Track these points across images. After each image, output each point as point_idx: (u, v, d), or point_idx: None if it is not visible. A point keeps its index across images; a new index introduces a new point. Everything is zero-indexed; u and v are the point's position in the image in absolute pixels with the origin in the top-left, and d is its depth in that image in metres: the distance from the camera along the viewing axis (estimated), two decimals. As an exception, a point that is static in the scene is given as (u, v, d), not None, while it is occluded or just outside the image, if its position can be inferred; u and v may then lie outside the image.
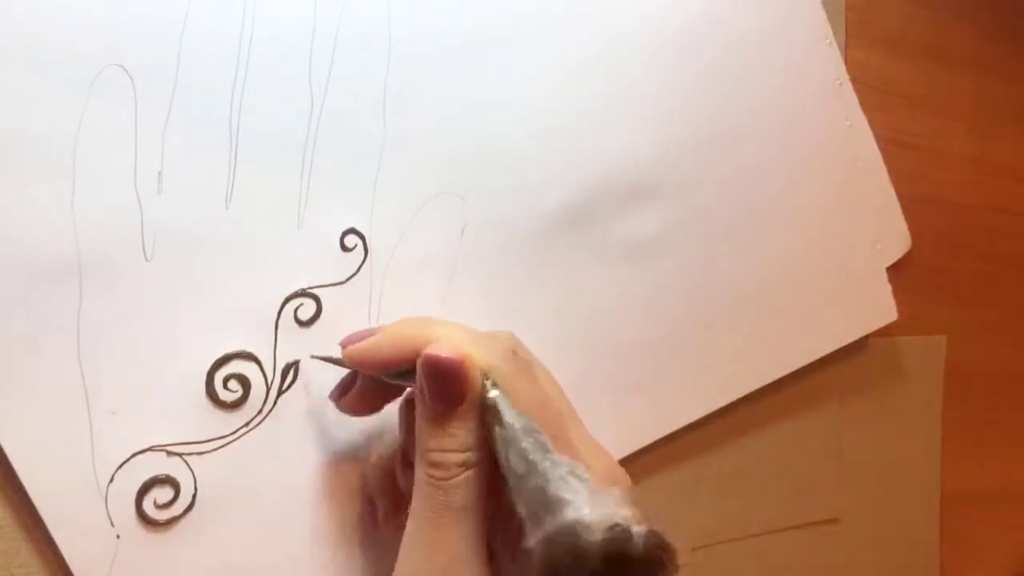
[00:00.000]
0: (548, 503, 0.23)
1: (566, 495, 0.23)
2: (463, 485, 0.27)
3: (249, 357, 0.33)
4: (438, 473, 0.27)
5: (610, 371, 0.39)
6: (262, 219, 0.33)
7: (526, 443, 0.25)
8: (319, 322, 0.34)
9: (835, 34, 0.45)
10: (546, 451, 0.25)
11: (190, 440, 0.32)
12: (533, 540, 0.22)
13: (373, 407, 0.32)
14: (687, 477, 0.43)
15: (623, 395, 0.40)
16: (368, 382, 0.32)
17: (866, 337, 0.46)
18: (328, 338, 0.34)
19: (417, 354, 0.28)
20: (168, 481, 0.31)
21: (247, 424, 0.33)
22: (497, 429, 0.26)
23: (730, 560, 0.44)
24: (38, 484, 0.30)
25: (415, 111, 0.36)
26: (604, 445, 0.31)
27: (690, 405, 0.41)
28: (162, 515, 0.31)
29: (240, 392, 0.33)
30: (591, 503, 0.22)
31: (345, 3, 0.34)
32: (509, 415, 0.26)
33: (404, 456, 0.32)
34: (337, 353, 0.31)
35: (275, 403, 0.33)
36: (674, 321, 0.41)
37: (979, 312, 0.53)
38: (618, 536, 0.22)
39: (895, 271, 0.47)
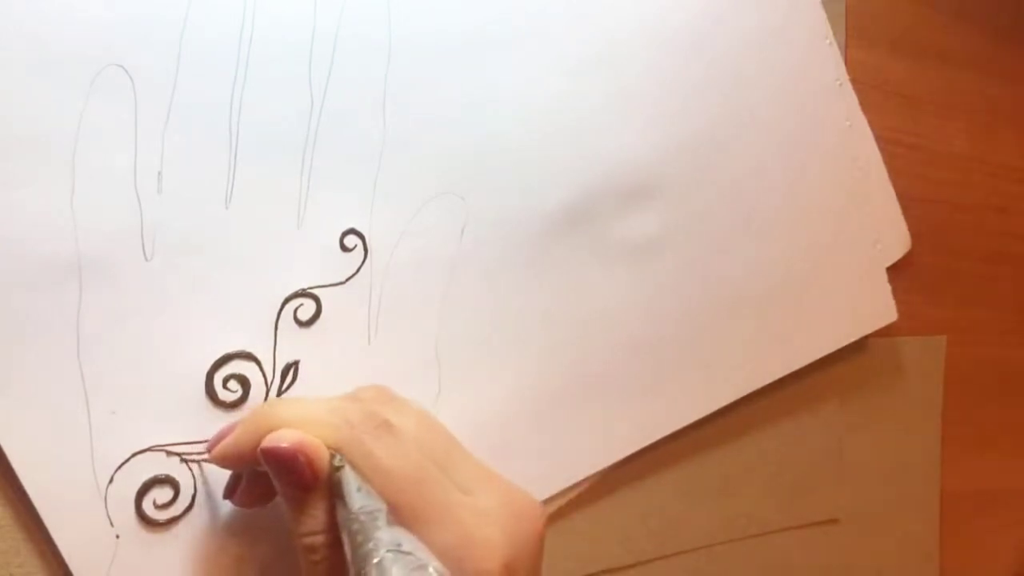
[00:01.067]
0: None
1: None
2: (333, 565, 0.27)
3: (249, 357, 0.33)
4: (312, 556, 0.27)
5: (610, 371, 0.39)
6: (262, 219, 0.33)
7: (356, 525, 0.26)
8: (319, 322, 0.34)
9: (835, 34, 0.45)
10: (375, 529, 0.25)
11: (190, 440, 0.32)
12: None
13: (266, 497, 0.31)
14: (687, 477, 0.43)
15: (623, 395, 0.40)
16: (251, 475, 0.31)
17: (866, 337, 0.46)
18: (328, 338, 0.34)
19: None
20: (168, 481, 0.31)
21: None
22: (340, 510, 0.27)
23: (730, 560, 0.44)
24: (38, 484, 0.30)
25: (415, 111, 0.36)
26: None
27: (690, 405, 0.41)
28: (162, 515, 0.31)
29: (240, 392, 0.33)
30: None
31: (345, 3, 0.34)
32: (348, 495, 0.26)
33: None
34: None
35: (275, 403, 0.33)
36: (674, 321, 0.41)
37: (979, 312, 0.53)
38: None
39: (895, 271, 0.47)
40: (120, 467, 0.31)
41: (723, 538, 0.44)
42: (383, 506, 0.26)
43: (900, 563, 0.49)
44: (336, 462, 0.28)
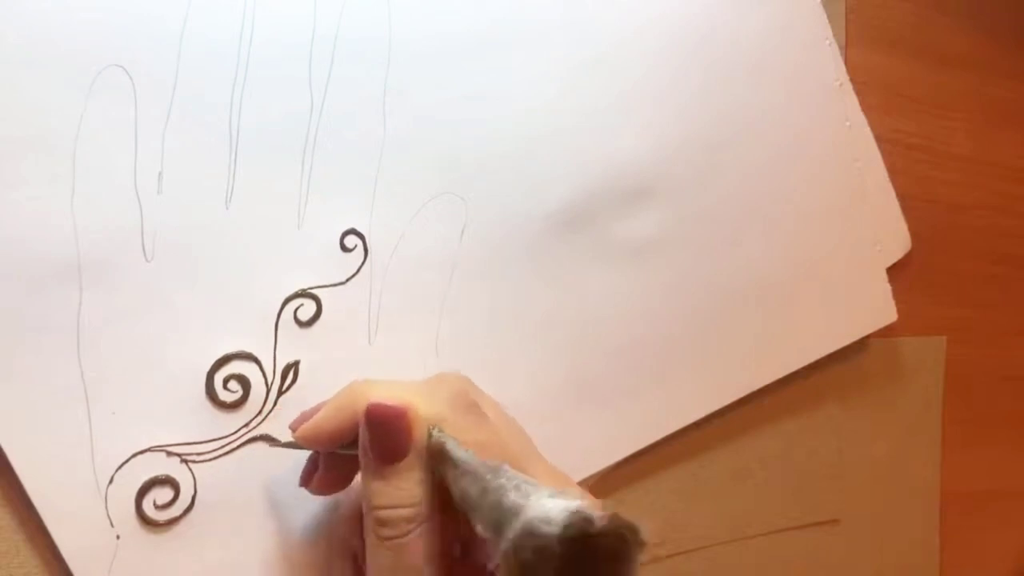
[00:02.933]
0: (507, 512, 0.23)
1: (522, 500, 0.23)
2: (415, 543, 0.26)
3: (249, 357, 0.33)
4: (387, 532, 0.26)
5: (610, 371, 0.39)
6: (262, 219, 0.33)
7: (481, 468, 0.25)
8: (319, 322, 0.34)
9: (835, 34, 0.45)
10: (502, 472, 0.24)
11: (190, 441, 0.32)
12: (500, 550, 0.22)
13: (342, 482, 0.31)
14: (687, 477, 0.43)
15: (623, 395, 0.40)
16: (330, 459, 0.31)
17: (866, 337, 0.46)
18: (328, 338, 0.34)
19: (357, 422, 0.28)
20: (168, 481, 0.31)
21: (247, 425, 0.33)
22: (450, 471, 0.26)
23: (730, 560, 0.44)
24: (38, 484, 0.30)
25: (415, 111, 0.36)
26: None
27: (690, 405, 0.41)
28: (162, 515, 0.31)
29: (240, 392, 0.33)
30: (548, 501, 0.22)
31: (345, 3, 0.34)
32: (460, 455, 0.26)
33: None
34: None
35: (275, 404, 0.33)
36: (674, 321, 0.41)
37: (979, 312, 0.53)
38: (578, 522, 0.21)
39: (895, 271, 0.47)
40: (120, 467, 0.31)
41: (723, 538, 0.44)
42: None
43: (900, 563, 0.49)
44: (435, 433, 0.27)
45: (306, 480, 0.32)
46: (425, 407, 0.28)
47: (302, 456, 0.32)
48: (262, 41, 0.33)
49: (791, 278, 0.43)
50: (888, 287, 0.46)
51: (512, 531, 0.22)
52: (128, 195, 0.31)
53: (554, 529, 0.21)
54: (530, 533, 0.21)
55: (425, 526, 0.26)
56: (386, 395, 0.28)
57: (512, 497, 0.23)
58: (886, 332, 0.46)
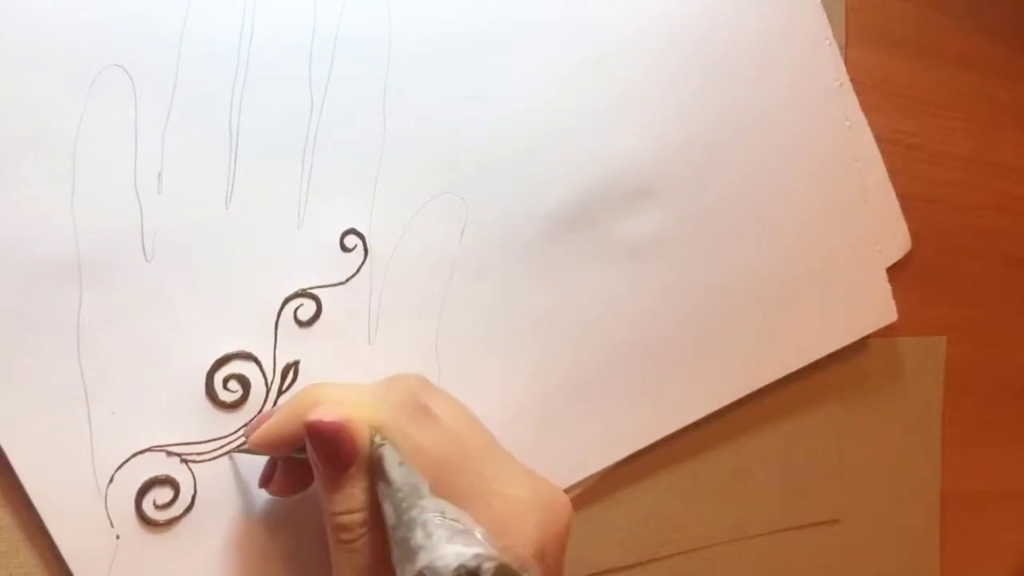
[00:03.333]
0: (409, 551, 0.24)
1: (423, 542, 0.23)
2: (368, 544, 0.27)
3: (249, 357, 0.33)
4: (344, 536, 0.27)
5: (610, 371, 0.39)
6: (262, 219, 0.33)
7: (400, 494, 0.26)
8: (319, 322, 0.34)
9: (835, 34, 0.45)
10: (419, 497, 0.25)
11: (190, 440, 0.32)
12: None
13: (303, 484, 0.32)
14: (687, 477, 0.43)
15: (622, 395, 0.40)
16: (287, 462, 0.31)
17: (866, 337, 0.46)
18: (328, 338, 0.34)
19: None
20: (168, 481, 0.31)
21: (247, 425, 0.33)
22: (380, 485, 0.27)
23: (730, 560, 0.44)
24: (38, 484, 0.30)
25: (415, 111, 0.36)
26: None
27: (690, 405, 0.41)
28: (162, 515, 0.31)
29: (240, 392, 0.33)
30: (447, 546, 0.23)
31: (345, 3, 0.34)
32: (391, 469, 0.27)
33: None
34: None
35: (275, 404, 0.33)
36: (674, 321, 0.41)
37: (979, 312, 0.53)
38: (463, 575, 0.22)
39: (895, 271, 0.47)
40: (120, 467, 0.31)
41: (723, 538, 0.44)
42: (425, 482, 0.26)
43: (900, 563, 0.49)
44: (377, 440, 0.28)
45: (265, 482, 0.32)
46: (371, 412, 0.28)
47: (262, 461, 0.32)
48: (262, 41, 0.33)
49: (791, 278, 0.43)
50: (888, 287, 0.46)
51: (408, 574, 0.23)
52: (128, 195, 0.31)
53: None
54: None
55: (376, 530, 0.27)
56: (330, 406, 0.28)
57: (417, 536, 0.24)
58: (886, 332, 0.47)
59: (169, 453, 0.32)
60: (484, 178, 0.37)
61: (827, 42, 0.45)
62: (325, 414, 0.28)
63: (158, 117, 0.31)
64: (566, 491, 0.39)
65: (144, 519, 0.31)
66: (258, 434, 0.30)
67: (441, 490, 0.27)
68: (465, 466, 0.28)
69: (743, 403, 0.42)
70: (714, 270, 0.41)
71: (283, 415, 0.30)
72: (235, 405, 0.33)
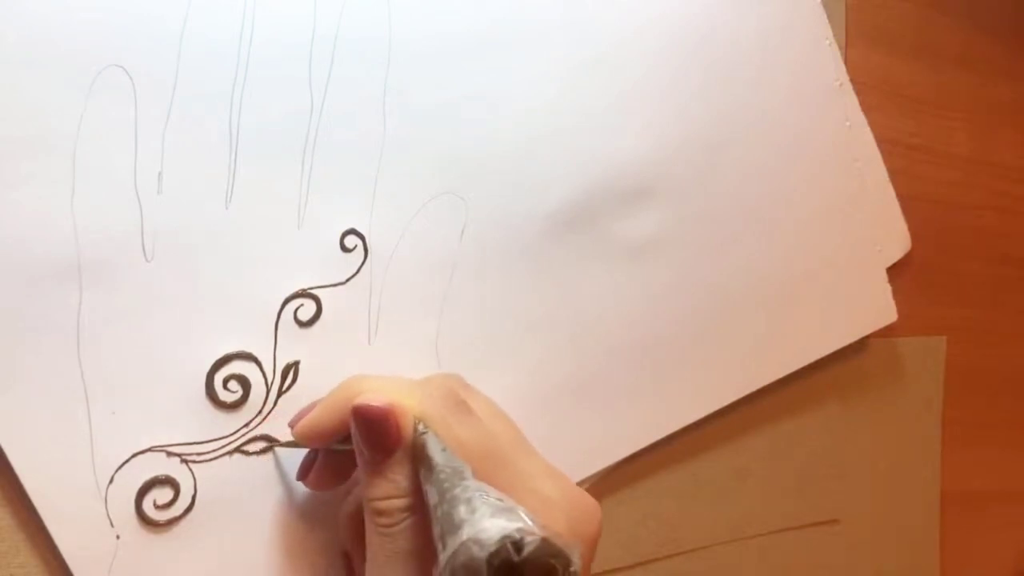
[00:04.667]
0: (452, 526, 0.24)
1: (466, 516, 0.23)
2: (408, 530, 0.27)
3: (249, 357, 0.33)
4: (383, 521, 0.28)
5: (610, 371, 0.39)
6: (262, 219, 0.33)
7: (443, 475, 0.26)
8: (319, 322, 0.34)
9: (835, 34, 0.45)
10: (462, 479, 0.25)
11: (190, 441, 0.32)
12: (440, 564, 0.23)
13: (341, 477, 0.32)
14: (687, 477, 0.43)
15: (622, 395, 0.40)
16: (328, 455, 0.32)
17: (866, 337, 0.46)
18: (328, 338, 0.34)
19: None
20: (168, 482, 0.31)
21: (247, 425, 0.33)
22: (422, 470, 0.27)
23: (730, 560, 0.44)
24: (38, 484, 0.30)
25: (415, 111, 0.36)
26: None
27: (690, 405, 0.41)
28: (162, 516, 0.31)
29: (240, 393, 0.33)
30: (490, 520, 0.23)
31: (345, 3, 0.34)
32: (434, 454, 0.27)
33: None
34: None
35: (275, 404, 0.33)
36: (674, 321, 0.41)
37: (979, 312, 0.53)
38: (505, 549, 0.22)
39: (895, 271, 0.47)
40: (120, 467, 0.31)
41: (723, 538, 0.44)
42: (468, 466, 0.27)
43: (900, 563, 0.49)
44: (420, 428, 0.28)
45: (303, 474, 0.32)
46: (413, 403, 0.29)
47: (300, 455, 0.33)
48: (262, 41, 0.33)
49: (791, 278, 0.43)
50: (888, 287, 0.46)
51: (451, 548, 0.23)
52: (128, 195, 0.31)
53: (483, 553, 0.22)
54: (464, 553, 0.22)
55: (418, 515, 0.27)
56: (375, 393, 0.29)
57: (460, 512, 0.24)
58: (886, 332, 0.47)
59: (169, 453, 0.32)
60: (484, 178, 0.37)
61: (827, 42, 0.45)
62: (372, 399, 0.28)
63: (158, 117, 0.31)
64: (566, 491, 0.39)
65: (144, 519, 0.31)
66: (302, 425, 0.31)
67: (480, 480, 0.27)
68: (501, 463, 0.29)
69: (743, 403, 0.42)
70: (714, 270, 0.41)
71: (327, 406, 0.30)
72: (235, 405, 0.33)
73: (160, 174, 0.32)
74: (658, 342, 0.40)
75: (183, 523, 0.32)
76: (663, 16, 0.40)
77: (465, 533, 0.23)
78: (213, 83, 0.32)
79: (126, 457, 0.31)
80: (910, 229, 0.48)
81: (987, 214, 0.53)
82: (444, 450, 0.27)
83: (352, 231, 0.35)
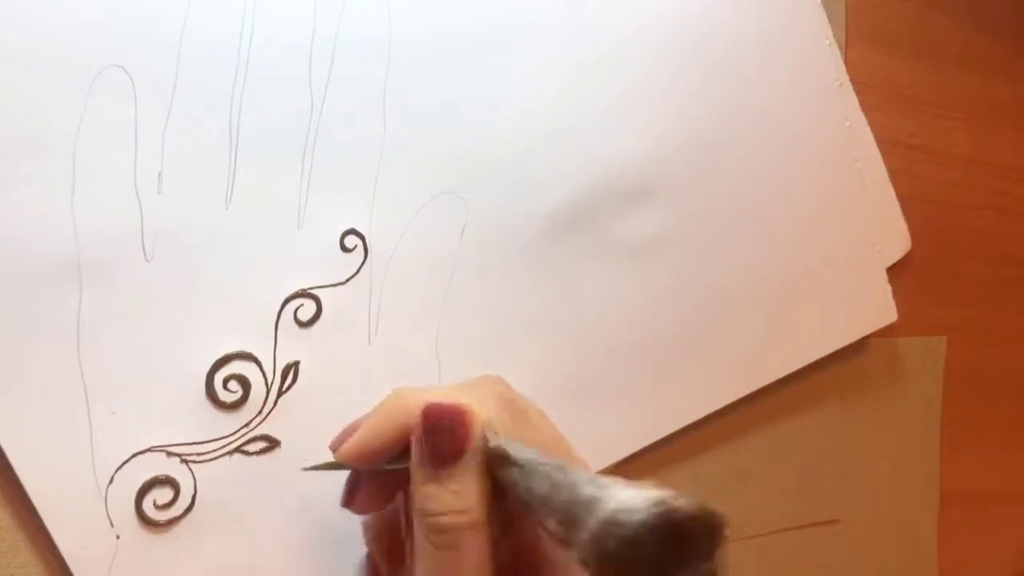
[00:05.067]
0: (584, 505, 0.22)
1: (598, 493, 0.22)
2: (470, 549, 0.25)
3: (249, 357, 0.33)
4: (444, 539, 0.25)
5: (609, 371, 0.39)
6: (262, 219, 0.33)
7: (546, 468, 0.24)
8: (319, 322, 0.34)
9: (835, 34, 0.45)
10: (566, 469, 0.24)
11: (190, 441, 0.32)
12: (579, 544, 0.22)
13: (387, 498, 0.30)
14: (687, 477, 0.43)
15: (622, 395, 0.40)
16: (373, 476, 0.29)
17: (866, 337, 0.46)
18: (328, 338, 0.34)
19: (407, 432, 0.27)
20: (168, 482, 0.31)
21: (247, 425, 0.33)
22: (513, 472, 0.25)
23: (730, 560, 0.44)
24: (38, 484, 0.30)
25: (415, 111, 0.36)
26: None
27: (690, 405, 0.41)
28: (162, 516, 0.31)
29: (240, 393, 0.33)
30: (627, 492, 0.22)
31: (345, 3, 0.34)
32: (522, 453, 0.25)
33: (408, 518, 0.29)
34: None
35: (275, 404, 0.33)
36: (674, 321, 0.41)
37: (979, 312, 0.53)
38: (664, 510, 0.21)
39: (895, 271, 0.47)
40: (120, 467, 0.31)
41: (723, 538, 0.44)
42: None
43: (900, 563, 0.49)
44: (490, 436, 0.26)
45: (349, 500, 0.30)
46: (479, 409, 0.27)
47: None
48: (262, 41, 0.33)
49: (791, 278, 0.43)
50: (888, 287, 0.46)
51: (595, 521, 0.21)
52: (128, 195, 0.31)
53: (639, 516, 0.21)
54: (613, 522, 0.21)
55: (483, 532, 0.25)
56: (438, 397, 0.27)
57: (588, 490, 0.22)
58: (886, 332, 0.46)
59: (169, 453, 0.32)
60: (484, 178, 0.37)
61: (827, 42, 0.45)
62: (443, 398, 0.26)
63: (158, 117, 0.31)
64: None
65: (144, 519, 0.31)
66: (351, 445, 0.28)
67: None
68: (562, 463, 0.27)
69: (743, 403, 0.42)
70: (714, 270, 0.41)
71: (378, 421, 0.28)
72: (235, 405, 0.33)
73: (160, 174, 0.32)
74: (658, 342, 0.40)
75: (183, 523, 0.32)
76: (663, 16, 0.40)
77: (610, 503, 0.21)
78: (213, 83, 0.32)
79: (126, 457, 0.31)
80: (910, 229, 0.48)
81: (987, 214, 0.53)
82: (532, 451, 0.25)
83: (352, 231, 0.35)
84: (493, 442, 0.26)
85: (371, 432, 0.28)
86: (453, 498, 0.25)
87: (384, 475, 0.29)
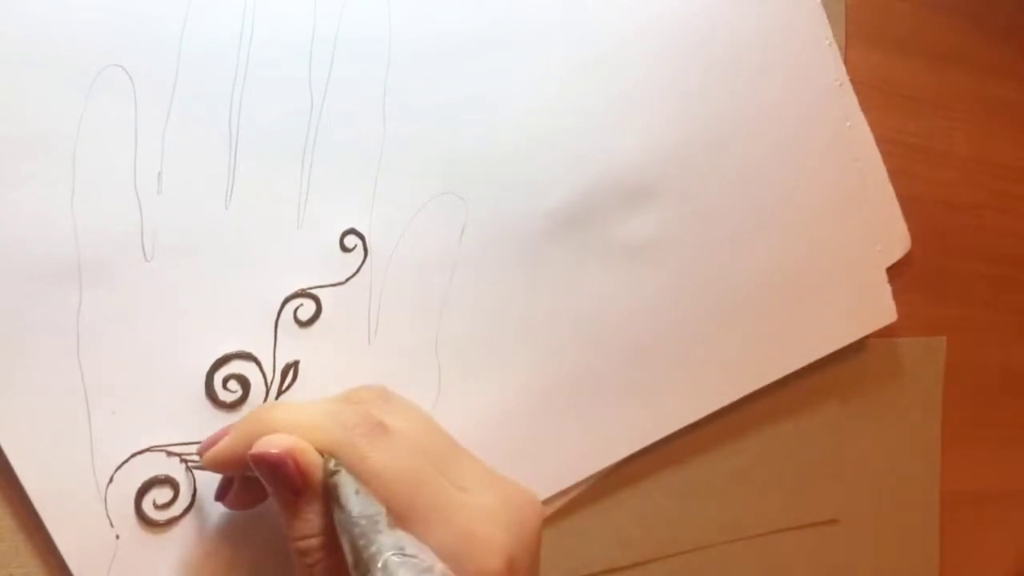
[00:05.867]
0: (363, 568, 0.24)
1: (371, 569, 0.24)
2: (330, 569, 0.27)
3: (249, 357, 0.33)
4: (306, 560, 0.27)
5: (610, 371, 0.39)
6: (262, 219, 0.33)
7: (358, 528, 0.26)
8: (319, 322, 0.34)
9: (835, 34, 0.45)
10: (377, 532, 0.25)
11: (190, 440, 0.32)
12: None
13: (257, 500, 0.31)
14: (687, 477, 0.43)
15: (622, 395, 0.40)
16: (242, 478, 0.31)
17: (866, 337, 0.46)
18: (328, 338, 0.34)
19: None
20: (167, 481, 0.31)
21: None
22: (337, 514, 0.27)
23: (730, 560, 0.44)
24: (38, 484, 0.30)
25: (415, 111, 0.36)
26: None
27: (690, 405, 0.41)
28: (161, 515, 0.31)
29: (240, 392, 0.33)
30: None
31: (345, 3, 0.34)
32: (346, 499, 0.26)
33: None
34: None
35: (275, 403, 0.33)
36: (674, 321, 0.41)
37: (979, 312, 0.53)
38: None
39: (895, 271, 0.47)
40: (120, 467, 0.31)
41: (723, 538, 0.44)
42: (382, 509, 0.26)
43: (900, 563, 0.49)
44: (331, 466, 0.27)
45: (221, 496, 0.32)
46: (322, 436, 0.28)
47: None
48: (262, 41, 0.33)
49: (791, 278, 0.43)
50: (888, 287, 0.46)
51: None
52: (128, 195, 0.31)
53: None
54: None
55: (333, 555, 0.27)
56: (275, 435, 0.28)
57: (371, 561, 0.24)
58: (886, 332, 0.46)
59: (169, 453, 0.32)
60: (484, 178, 0.37)
61: (827, 42, 0.45)
62: (271, 444, 0.28)
63: (158, 117, 0.31)
64: (566, 491, 0.39)
65: (144, 519, 0.31)
66: (209, 455, 0.30)
67: (403, 509, 0.27)
68: (426, 480, 0.28)
69: (743, 403, 0.42)
70: (713, 270, 0.41)
71: (233, 437, 0.29)
72: (235, 405, 0.33)
73: (160, 174, 0.32)
74: (657, 342, 0.40)
75: (183, 523, 0.32)
76: (663, 16, 0.40)
77: None
78: (213, 83, 0.32)
79: (126, 457, 0.31)
80: (910, 229, 0.48)
81: (987, 214, 0.53)
82: (358, 492, 0.27)
83: (352, 231, 0.35)
84: (329, 477, 0.27)
85: (228, 446, 0.29)
86: (305, 524, 0.28)
87: (253, 478, 0.30)
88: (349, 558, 0.26)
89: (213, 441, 0.30)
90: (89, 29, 0.30)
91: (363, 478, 0.27)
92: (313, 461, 0.28)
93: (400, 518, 0.27)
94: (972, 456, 0.52)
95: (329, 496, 0.27)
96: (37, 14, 0.30)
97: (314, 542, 0.27)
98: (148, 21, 0.31)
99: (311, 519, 0.27)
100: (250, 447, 0.28)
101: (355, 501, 0.26)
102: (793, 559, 0.46)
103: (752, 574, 0.45)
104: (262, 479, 0.28)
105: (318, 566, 0.27)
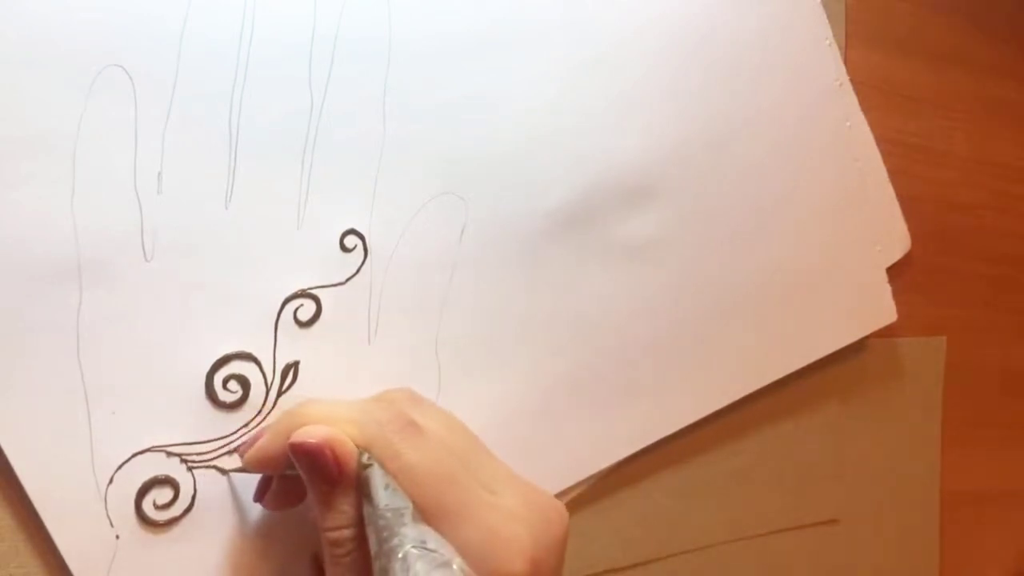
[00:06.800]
0: (383, 568, 0.24)
1: (392, 565, 0.24)
2: (359, 560, 0.27)
3: (249, 358, 0.33)
4: (338, 551, 0.28)
5: (610, 371, 0.39)
6: (262, 219, 0.33)
7: (382, 520, 0.26)
8: (319, 322, 0.34)
9: (835, 34, 0.45)
10: (401, 525, 0.26)
11: (190, 441, 0.32)
12: None
13: (295, 500, 0.32)
14: (687, 477, 0.43)
15: (622, 396, 0.40)
16: (280, 478, 0.32)
17: (866, 337, 0.46)
18: (328, 338, 0.34)
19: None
20: (168, 482, 0.31)
21: (247, 425, 0.33)
22: (366, 507, 0.27)
23: (730, 560, 0.44)
24: (38, 484, 0.30)
25: (415, 111, 0.36)
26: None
27: (690, 405, 0.41)
28: (161, 516, 0.31)
29: (240, 393, 0.33)
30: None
31: (345, 3, 0.34)
32: (375, 492, 0.27)
33: None
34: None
35: (275, 404, 0.33)
36: (674, 321, 0.41)
37: (979, 312, 0.53)
38: None
39: (895, 271, 0.47)
40: (120, 467, 0.31)
41: (723, 538, 0.44)
42: (409, 504, 0.27)
43: (900, 563, 0.49)
44: (364, 460, 0.28)
45: (259, 497, 0.32)
46: (357, 431, 0.29)
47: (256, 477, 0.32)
48: (262, 41, 0.33)
49: (791, 278, 0.43)
50: (888, 287, 0.46)
51: None
52: (128, 195, 0.31)
53: None
54: None
55: (366, 546, 0.27)
56: (314, 426, 0.29)
57: (395, 569, 0.24)
58: (886, 332, 0.47)
59: (169, 453, 0.32)
60: (484, 178, 0.37)
61: (827, 42, 0.45)
62: (309, 434, 0.28)
63: (158, 117, 0.31)
64: (566, 491, 0.39)
65: (144, 519, 0.31)
66: (251, 454, 0.30)
67: (431, 506, 0.27)
68: (455, 480, 0.28)
69: (743, 403, 0.42)
70: (714, 270, 0.41)
71: (272, 435, 0.30)
72: (235, 405, 0.33)
73: (160, 174, 0.32)
74: (657, 342, 0.40)
75: (183, 523, 0.32)
76: (663, 16, 0.40)
77: None
78: (213, 83, 0.32)
79: (126, 457, 0.31)
80: (910, 229, 0.48)
81: (987, 214, 0.53)
82: (387, 487, 0.27)
83: (352, 231, 0.35)
84: (362, 470, 0.28)
85: (267, 444, 0.30)
86: (339, 516, 0.28)
87: (290, 478, 0.31)
88: (373, 548, 0.26)
89: (252, 441, 0.31)
90: (89, 29, 0.30)
91: (395, 474, 0.28)
92: (350, 452, 0.28)
93: (428, 515, 0.27)
94: (972, 456, 0.52)
95: (361, 489, 0.28)
96: (37, 14, 0.30)
97: (347, 533, 0.28)
98: (148, 21, 0.31)
99: (345, 510, 0.28)
100: (283, 445, 0.29)
101: (383, 495, 0.27)
102: (793, 559, 0.46)
103: (752, 574, 0.45)
104: (299, 469, 0.28)
105: (348, 557, 0.27)
